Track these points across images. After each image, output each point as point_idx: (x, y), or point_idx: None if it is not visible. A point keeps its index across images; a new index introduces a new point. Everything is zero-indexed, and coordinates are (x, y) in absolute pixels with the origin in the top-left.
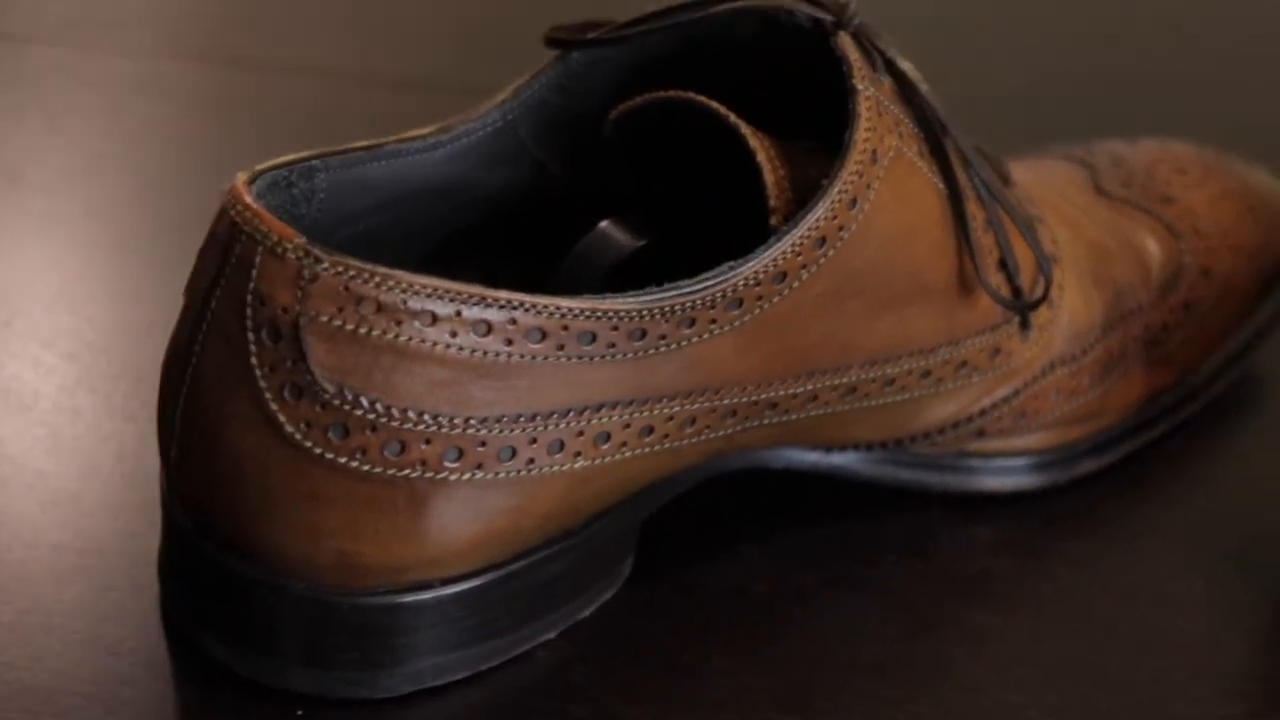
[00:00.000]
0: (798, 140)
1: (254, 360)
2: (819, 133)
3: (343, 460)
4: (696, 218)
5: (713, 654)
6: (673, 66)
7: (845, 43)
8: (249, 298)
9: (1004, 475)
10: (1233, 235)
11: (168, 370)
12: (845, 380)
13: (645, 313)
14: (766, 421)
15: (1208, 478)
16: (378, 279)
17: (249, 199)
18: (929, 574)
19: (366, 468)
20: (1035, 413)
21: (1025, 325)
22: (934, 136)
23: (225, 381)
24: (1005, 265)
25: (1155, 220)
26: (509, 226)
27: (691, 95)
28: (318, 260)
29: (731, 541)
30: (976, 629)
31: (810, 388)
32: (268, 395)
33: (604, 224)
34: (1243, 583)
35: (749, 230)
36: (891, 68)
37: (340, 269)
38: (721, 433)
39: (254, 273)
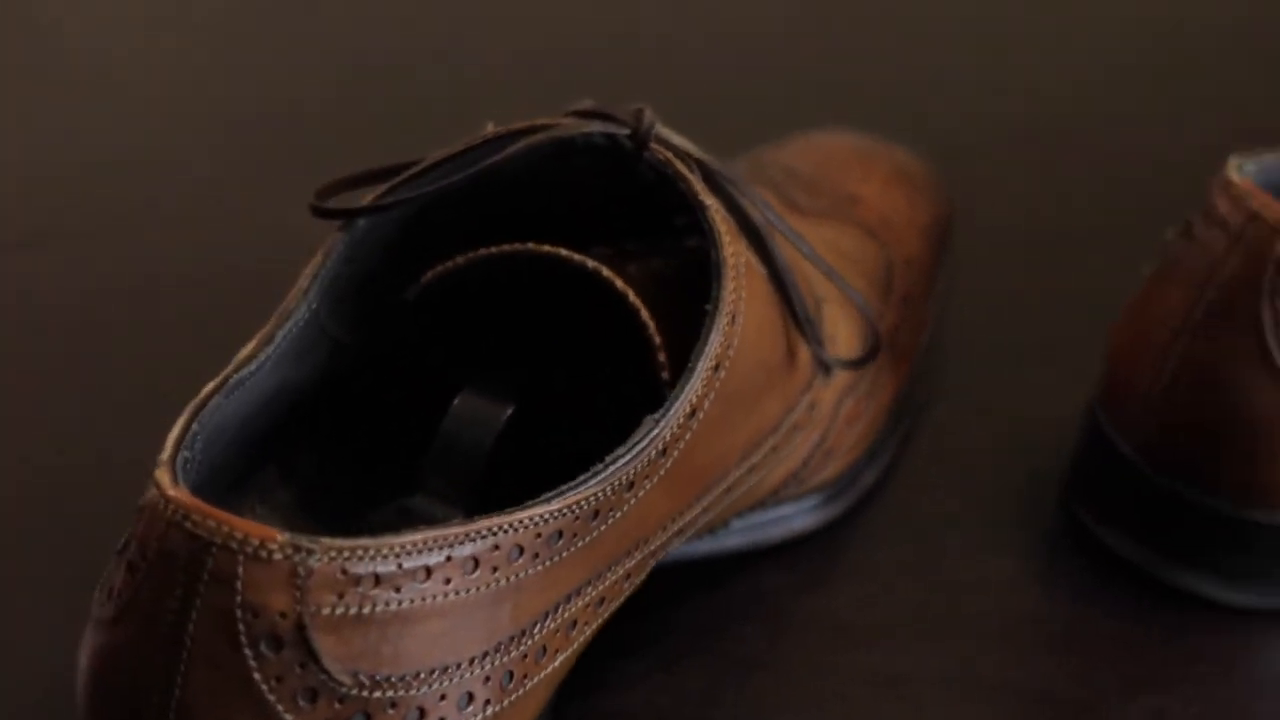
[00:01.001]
0: (591, 252)
1: (256, 677)
2: (613, 249)
3: None
4: (542, 367)
5: None
6: (460, 208)
7: (670, 159)
8: (238, 613)
9: (809, 514)
10: (913, 218)
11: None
12: (726, 484)
13: (599, 495)
14: (669, 547)
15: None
16: (371, 551)
17: (202, 504)
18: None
19: None
20: (837, 447)
21: (827, 371)
22: (741, 216)
23: (225, 710)
24: (807, 320)
25: (854, 225)
26: (308, 417)
27: (547, 249)
28: (310, 552)
29: None
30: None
31: (705, 503)
32: (280, 708)
33: (460, 399)
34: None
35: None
36: (700, 164)
37: (333, 553)
38: (642, 575)
39: (238, 584)
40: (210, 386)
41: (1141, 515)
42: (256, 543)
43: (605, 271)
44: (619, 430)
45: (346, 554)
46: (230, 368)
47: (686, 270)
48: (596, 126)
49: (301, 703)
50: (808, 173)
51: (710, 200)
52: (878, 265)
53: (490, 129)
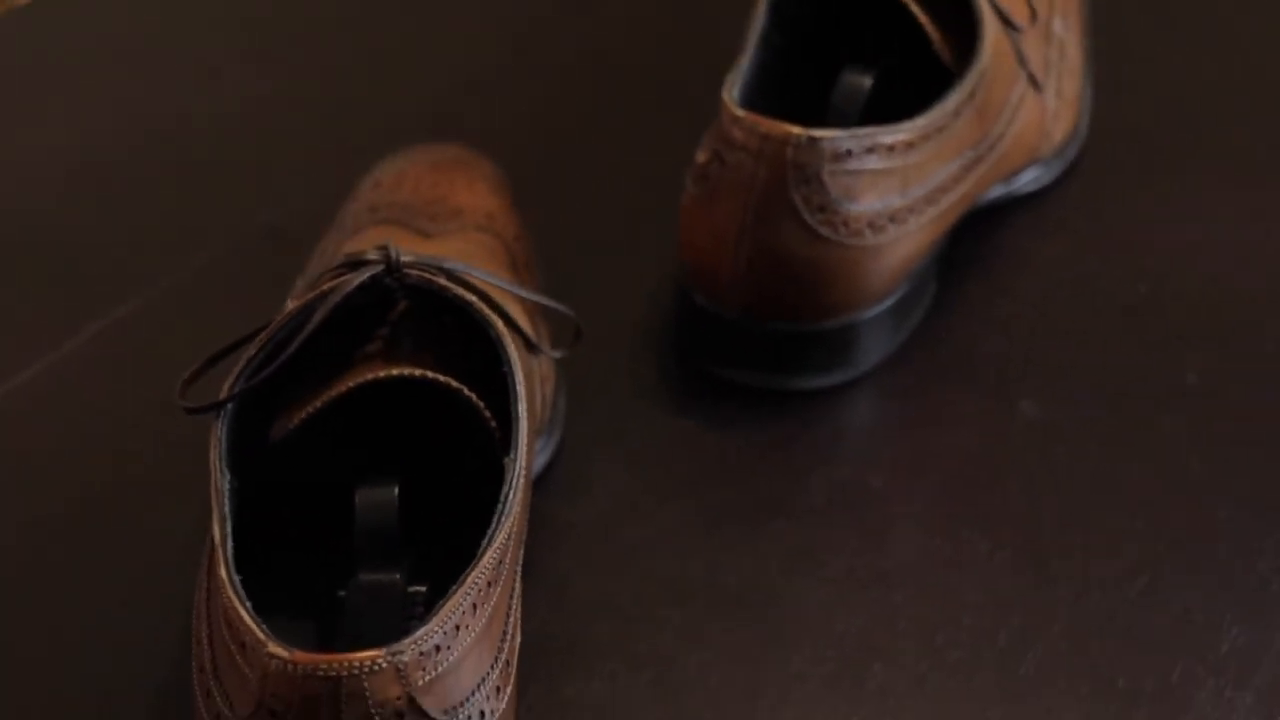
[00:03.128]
0: None
1: None
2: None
3: None
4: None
5: None
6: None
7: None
8: (372, 711)
9: None
10: (498, 202)
11: None
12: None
13: None
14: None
15: None
16: (433, 632)
17: (322, 656)
18: None
19: None
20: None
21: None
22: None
23: None
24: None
25: (472, 231)
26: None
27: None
28: (400, 652)
29: None
30: None
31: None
32: None
33: (359, 494)
34: None
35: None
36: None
37: (414, 645)
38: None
39: (366, 694)
40: None
41: (753, 352)
42: (369, 663)
43: (418, 372)
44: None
45: (421, 641)
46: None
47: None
48: (357, 275)
49: None
50: (417, 203)
51: (469, 295)
52: (504, 254)
53: (290, 306)
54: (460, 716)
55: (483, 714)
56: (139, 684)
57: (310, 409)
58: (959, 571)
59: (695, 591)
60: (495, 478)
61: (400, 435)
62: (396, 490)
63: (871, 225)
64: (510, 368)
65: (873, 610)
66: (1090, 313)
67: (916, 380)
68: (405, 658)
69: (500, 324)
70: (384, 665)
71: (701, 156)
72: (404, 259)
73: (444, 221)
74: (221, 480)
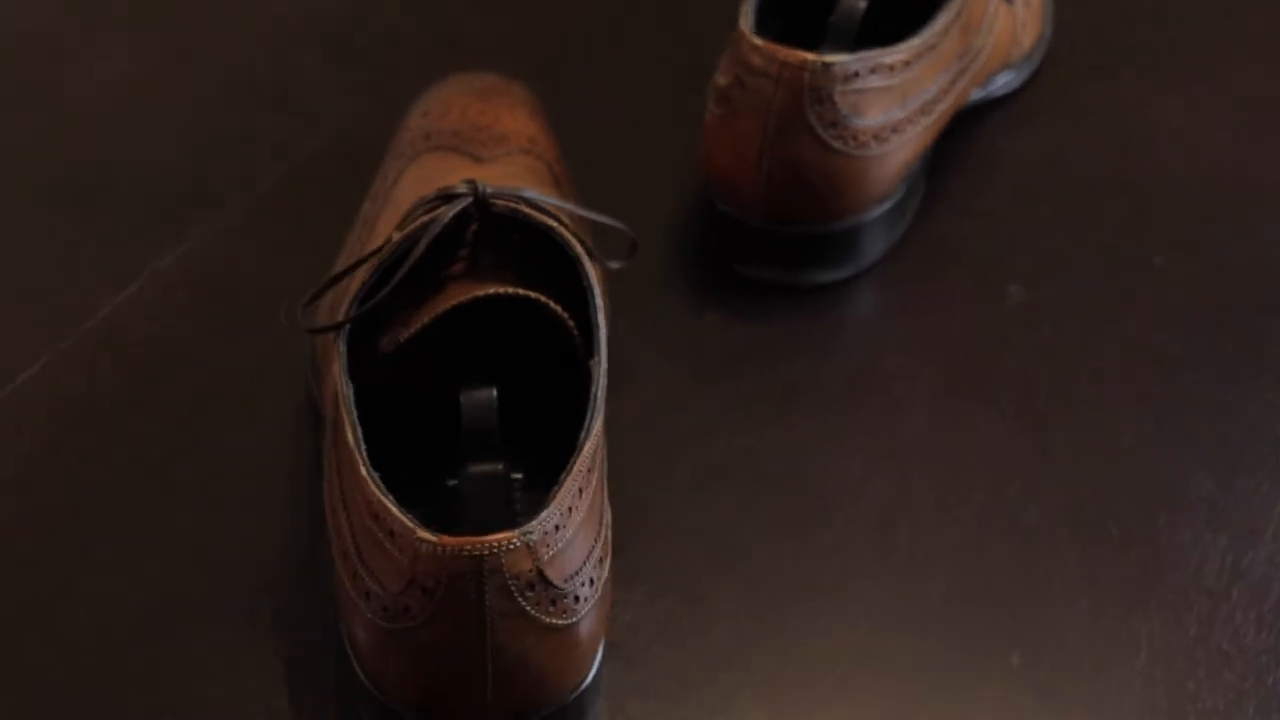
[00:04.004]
0: None
1: (528, 608)
2: None
3: None
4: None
5: None
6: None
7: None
8: (509, 582)
9: None
10: (539, 126)
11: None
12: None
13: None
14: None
15: None
16: (553, 515)
17: (467, 538)
18: None
19: None
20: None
21: None
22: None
23: (520, 638)
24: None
25: (519, 154)
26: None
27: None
28: (529, 532)
29: None
30: None
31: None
32: (542, 617)
33: (463, 396)
34: None
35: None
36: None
37: (541, 525)
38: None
39: (503, 568)
40: None
41: (771, 252)
42: (506, 543)
43: (508, 290)
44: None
45: (545, 522)
46: None
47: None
48: (451, 207)
49: (549, 607)
50: (466, 130)
51: (550, 220)
52: (547, 174)
53: (395, 237)
54: (575, 584)
55: (590, 580)
56: (265, 573)
57: (416, 326)
58: (967, 440)
59: (737, 471)
60: (577, 379)
61: (492, 344)
62: (495, 392)
63: (876, 137)
64: (589, 282)
65: (894, 480)
66: (1061, 200)
67: (914, 272)
68: (534, 537)
69: (578, 244)
70: (518, 544)
71: (722, 80)
72: (488, 190)
73: (493, 147)
74: (347, 389)
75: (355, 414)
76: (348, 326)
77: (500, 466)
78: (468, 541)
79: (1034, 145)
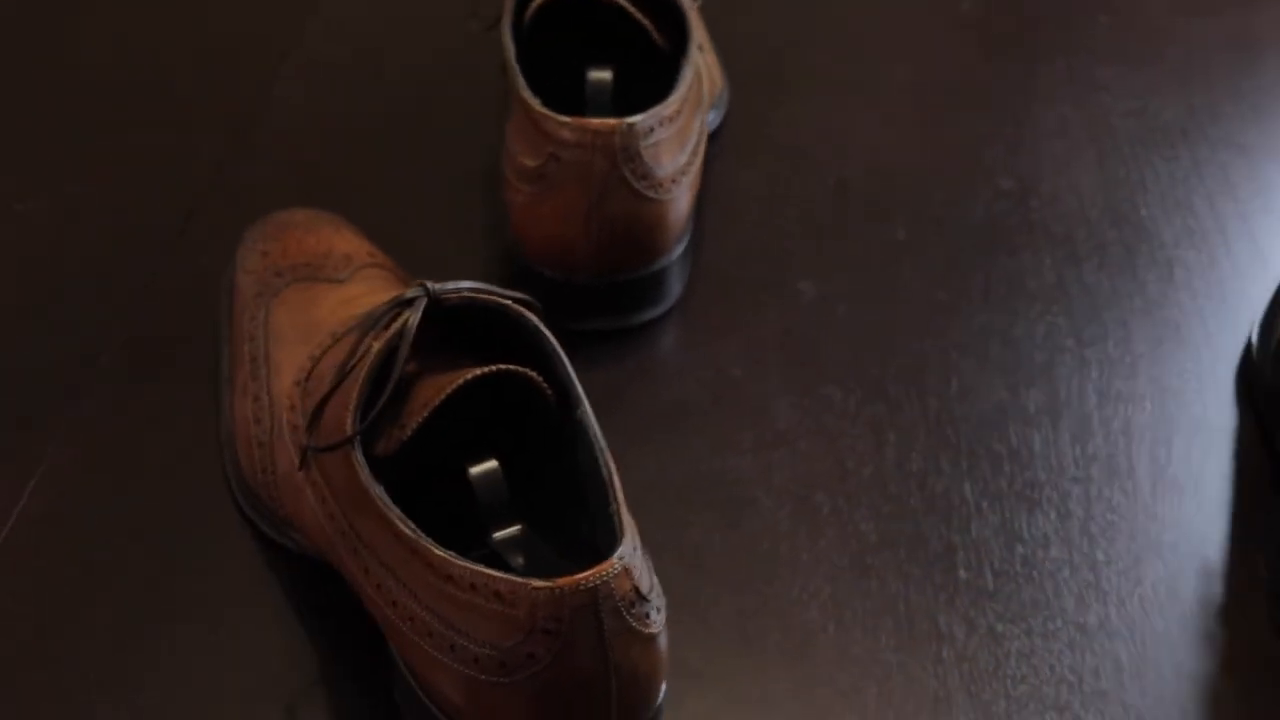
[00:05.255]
0: None
1: (634, 624)
2: None
3: None
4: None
5: None
6: None
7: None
8: (619, 604)
9: None
10: (360, 237)
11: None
12: None
13: None
14: None
15: None
16: (632, 543)
17: (578, 576)
18: None
19: None
20: None
21: None
22: None
23: (630, 653)
24: None
25: (366, 269)
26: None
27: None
28: (624, 556)
29: None
30: None
31: None
32: (643, 629)
33: (472, 472)
34: None
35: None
36: None
37: (629, 551)
38: None
39: (614, 593)
40: None
41: (606, 303)
42: (609, 569)
43: (491, 369)
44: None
45: (631, 549)
46: None
47: None
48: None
49: (645, 620)
50: (313, 260)
51: (502, 300)
52: (394, 279)
53: (375, 346)
54: (654, 595)
55: (657, 591)
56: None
57: (414, 423)
58: (833, 416)
59: (654, 484)
60: (556, 435)
61: (470, 420)
62: (497, 464)
63: (674, 181)
64: (553, 345)
65: (791, 462)
66: (808, 204)
67: (715, 294)
68: (631, 560)
69: (531, 315)
70: (618, 568)
71: (530, 161)
72: (438, 289)
73: (343, 268)
74: (377, 489)
75: (397, 508)
76: (357, 440)
77: (519, 528)
78: (581, 577)
79: (758, 167)
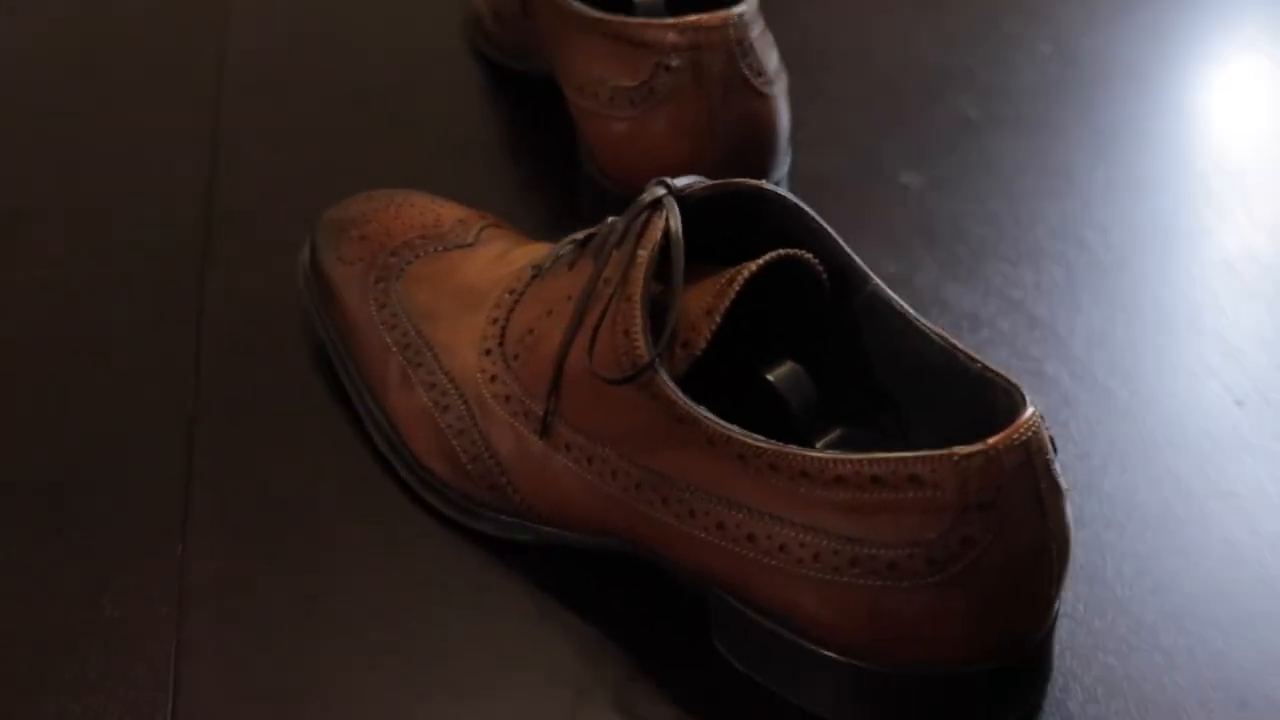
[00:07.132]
0: None
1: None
2: None
3: None
4: None
5: None
6: None
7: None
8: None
9: None
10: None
11: None
12: None
13: None
14: None
15: None
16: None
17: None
18: None
19: None
20: None
21: None
22: None
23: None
24: None
25: (490, 228)
26: None
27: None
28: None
29: None
30: None
31: None
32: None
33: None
34: None
35: None
36: None
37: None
38: None
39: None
40: None
41: None
42: (1033, 421)
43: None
44: None
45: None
46: None
47: None
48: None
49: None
50: (425, 231)
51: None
52: (516, 234)
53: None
54: None
55: None
56: None
57: (700, 343)
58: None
59: None
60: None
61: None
62: (797, 366)
63: (777, 76)
64: (820, 222)
65: None
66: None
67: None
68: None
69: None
70: (1039, 415)
71: (630, 81)
72: (677, 184)
73: (465, 233)
74: (698, 409)
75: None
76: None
77: (839, 431)
78: (1010, 431)
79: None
